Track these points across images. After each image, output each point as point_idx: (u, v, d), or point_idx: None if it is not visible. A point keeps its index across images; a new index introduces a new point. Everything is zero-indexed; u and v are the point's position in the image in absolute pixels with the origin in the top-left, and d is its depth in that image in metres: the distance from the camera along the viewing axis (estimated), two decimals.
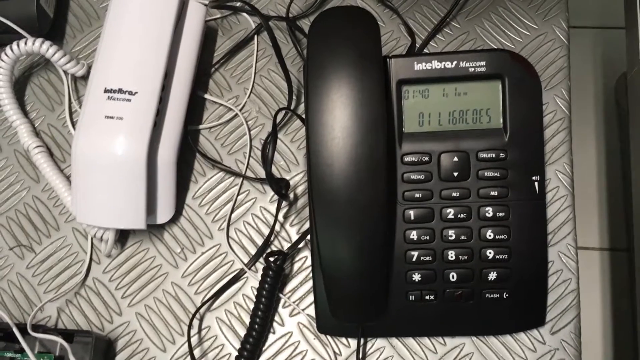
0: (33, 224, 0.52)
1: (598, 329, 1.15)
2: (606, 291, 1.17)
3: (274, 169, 0.51)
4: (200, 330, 0.48)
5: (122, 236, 0.50)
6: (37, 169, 0.52)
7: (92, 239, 0.50)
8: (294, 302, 0.48)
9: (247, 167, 0.51)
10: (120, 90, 0.46)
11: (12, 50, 0.50)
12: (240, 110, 0.53)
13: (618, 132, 1.26)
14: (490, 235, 0.44)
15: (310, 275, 0.48)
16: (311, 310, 0.47)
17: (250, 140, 0.52)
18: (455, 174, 0.44)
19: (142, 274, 0.50)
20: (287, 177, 0.51)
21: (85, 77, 0.54)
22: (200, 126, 0.53)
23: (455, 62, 0.44)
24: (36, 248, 0.51)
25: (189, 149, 0.52)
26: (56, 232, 0.51)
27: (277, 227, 0.50)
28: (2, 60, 0.51)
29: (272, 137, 0.47)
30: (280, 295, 0.48)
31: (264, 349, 0.47)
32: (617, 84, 1.25)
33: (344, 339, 0.47)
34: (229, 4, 0.55)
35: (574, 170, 0.50)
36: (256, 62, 0.54)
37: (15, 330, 0.45)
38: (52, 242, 0.51)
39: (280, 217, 0.50)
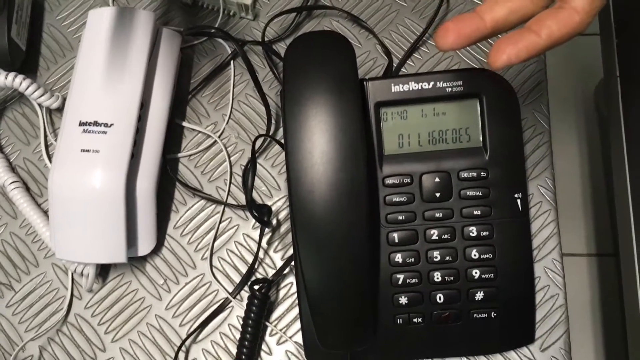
0: (12, 261, 0.51)
1: (588, 335, 1.15)
2: (594, 296, 1.18)
3: (255, 195, 0.51)
4: None
5: (103, 270, 0.50)
6: (14, 204, 0.51)
7: (72, 274, 0.49)
8: (281, 330, 0.47)
9: (228, 194, 0.51)
10: (95, 123, 0.45)
11: None
12: (219, 136, 0.52)
13: (599, 136, 1.27)
14: (475, 255, 0.44)
15: (297, 301, 0.47)
16: (299, 338, 0.47)
17: (231, 167, 0.51)
18: (438, 194, 0.44)
19: (125, 308, 0.49)
20: (269, 203, 0.50)
21: (60, 109, 0.54)
22: (179, 154, 0.52)
23: (432, 83, 0.44)
24: (15, 286, 0.50)
25: (168, 178, 0.51)
26: (35, 268, 0.50)
27: (261, 254, 0.49)
28: None
29: (252, 165, 0.46)
30: (267, 323, 0.47)
31: None
32: (596, 89, 1.26)
33: None
34: (204, 30, 0.54)
35: (558, 176, 0.50)
36: (233, 87, 0.54)
37: None
38: (31, 279, 0.50)
39: (264, 244, 0.49)
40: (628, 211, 0.76)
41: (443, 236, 0.44)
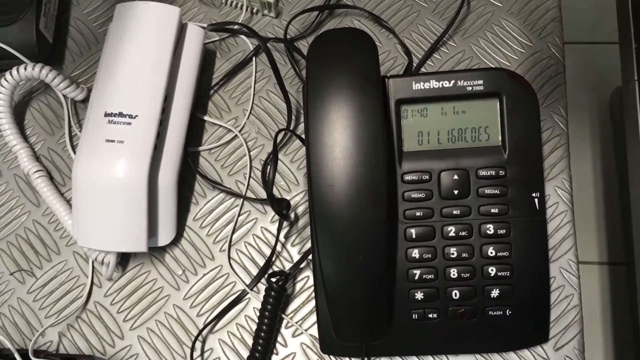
0: (34, 249, 0.51)
1: (599, 343, 1.15)
2: (606, 305, 1.17)
3: (274, 190, 0.51)
4: (202, 352, 0.48)
5: (123, 259, 0.50)
6: (38, 193, 0.52)
7: (93, 262, 0.50)
8: (296, 323, 0.48)
9: (247, 187, 0.52)
10: (120, 114, 0.46)
11: (11, 75, 0.51)
12: (240, 131, 0.53)
13: (613, 145, 1.27)
14: (491, 253, 0.44)
15: (313, 295, 0.48)
16: (314, 331, 0.47)
17: (250, 161, 0.52)
18: (456, 192, 0.44)
19: (143, 297, 0.49)
20: (288, 197, 0.51)
21: (85, 101, 0.55)
22: (200, 148, 0.53)
23: (453, 81, 0.44)
24: (37, 272, 0.51)
25: (189, 171, 0.52)
26: (57, 256, 0.51)
27: (279, 247, 0.50)
28: (2, 85, 0.51)
29: (273, 158, 0.47)
30: (283, 315, 0.48)
31: None
32: (611, 97, 1.26)
33: (347, 359, 0.47)
34: (227, 26, 0.55)
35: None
36: (255, 83, 0.55)
37: (16, 355, 0.45)
38: (53, 267, 0.51)
39: (282, 237, 0.50)
40: None
41: (460, 233, 0.44)
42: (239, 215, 0.51)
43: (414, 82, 0.45)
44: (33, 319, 0.50)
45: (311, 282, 0.49)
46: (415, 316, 0.45)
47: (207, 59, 0.56)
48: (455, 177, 0.44)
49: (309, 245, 0.49)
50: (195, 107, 0.53)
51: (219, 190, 0.52)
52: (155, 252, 0.50)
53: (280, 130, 0.50)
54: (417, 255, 0.44)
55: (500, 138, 0.45)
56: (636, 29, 0.79)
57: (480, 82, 0.44)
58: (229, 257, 0.50)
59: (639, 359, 1.01)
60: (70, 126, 0.55)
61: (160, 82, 0.48)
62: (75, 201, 0.47)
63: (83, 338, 0.49)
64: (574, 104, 1.29)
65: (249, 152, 0.53)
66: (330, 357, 0.47)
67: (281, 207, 0.48)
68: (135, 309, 0.49)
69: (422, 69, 0.54)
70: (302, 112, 0.53)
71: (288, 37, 0.55)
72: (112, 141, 0.46)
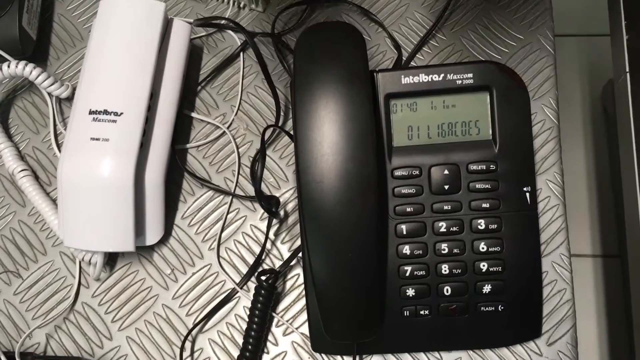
0: (20, 249, 0.51)
1: (593, 336, 1.15)
2: (600, 298, 1.17)
3: (263, 187, 0.51)
4: (192, 352, 0.47)
5: (111, 259, 0.50)
6: (23, 193, 0.51)
7: (80, 262, 0.50)
8: (287, 321, 0.47)
9: (236, 185, 0.51)
10: (105, 112, 0.45)
11: None
12: (228, 127, 0.52)
13: (606, 138, 1.27)
14: (483, 248, 0.44)
15: (303, 293, 0.48)
16: (305, 329, 0.47)
17: (239, 158, 0.52)
18: (446, 187, 0.44)
19: (132, 297, 0.49)
20: (277, 194, 0.50)
21: (70, 99, 0.54)
22: (188, 145, 0.52)
23: (442, 75, 0.44)
24: (23, 273, 0.50)
25: (177, 169, 0.51)
26: (43, 256, 0.50)
27: (268, 245, 0.49)
28: None
29: (261, 155, 0.46)
30: (273, 314, 0.47)
31: None
32: (603, 90, 1.26)
33: (339, 357, 0.46)
34: (214, 21, 0.54)
35: (564, 177, 0.50)
36: (242, 79, 0.54)
37: (3, 358, 0.44)
38: (39, 267, 0.50)
39: (271, 235, 0.50)
40: (637, 212, 0.76)
41: (451, 229, 0.44)
42: (227, 213, 0.50)
43: (403, 76, 0.44)
44: (20, 321, 0.49)
45: (301, 280, 0.48)
46: (406, 313, 0.44)
47: (194, 54, 0.55)
48: (446, 172, 0.44)
49: (299, 242, 0.49)
50: (182, 104, 0.53)
51: (207, 187, 0.51)
52: (143, 251, 0.50)
53: (268, 127, 0.50)
54: (408, 252, 0.44)
55: (490, 132, 0.44)
56: (627, 21, 0.79)
57: (470, 75, 0.44)
58: (218, 256, 0.49)
59: (632, 352, 1.01)
60: (55, 124, 0.54)
61: (145, 78, 0.47)
62: (61, 200, 0.46)
63: (71, 339, 0.48)
64: (565, 97, 1.29)
65: (238, 148, 0.52)
66: (321, 356, 0.47)
67: (270, 205, 0.47)
68: (124, 310, 0.49)
69: (412, 63, 0.53)
70: (290, 107, 0.52)
71: (275, 31, 0.55)
72: (97, 139, 0.45)
